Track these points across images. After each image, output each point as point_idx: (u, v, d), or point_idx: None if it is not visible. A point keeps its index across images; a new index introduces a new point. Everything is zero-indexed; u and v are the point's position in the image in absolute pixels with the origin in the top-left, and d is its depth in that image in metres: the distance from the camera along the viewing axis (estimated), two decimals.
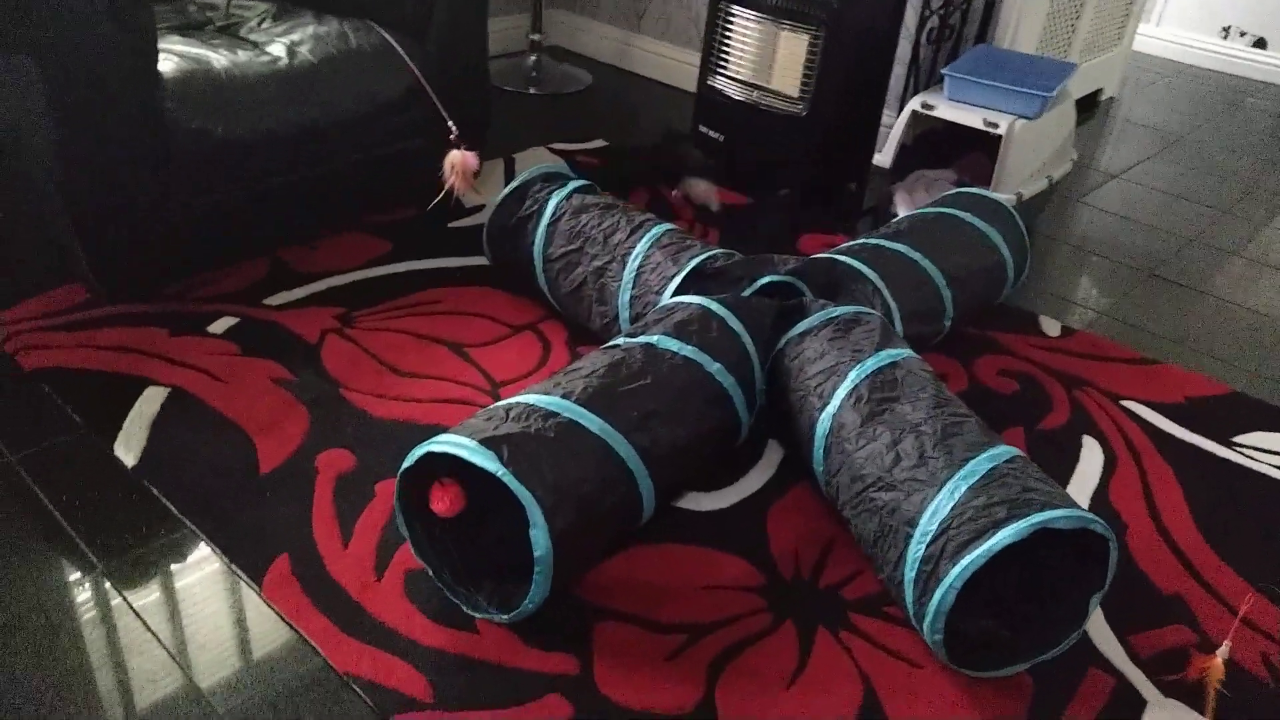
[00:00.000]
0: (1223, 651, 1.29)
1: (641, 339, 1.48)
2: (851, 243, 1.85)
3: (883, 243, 1.82)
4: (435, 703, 1.17)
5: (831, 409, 1.42)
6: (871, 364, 1.44)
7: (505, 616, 1.26)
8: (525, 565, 1.24)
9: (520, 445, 1.23)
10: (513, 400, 1.33)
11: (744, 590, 1.36)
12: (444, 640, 1.25)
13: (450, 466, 1.28)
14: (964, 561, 1.17)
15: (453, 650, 1.24)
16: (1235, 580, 1.45)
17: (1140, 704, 1.25)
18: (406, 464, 1.25)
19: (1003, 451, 1.29)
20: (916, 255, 1.79)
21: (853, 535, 1.42)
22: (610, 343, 1.50)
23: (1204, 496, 1.61)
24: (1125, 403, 1.83)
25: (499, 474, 1.18)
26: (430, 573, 1.30)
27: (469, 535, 1.33)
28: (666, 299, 1.66)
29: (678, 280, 1.66)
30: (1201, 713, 1.24)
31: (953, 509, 1.22)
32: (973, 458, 1.28)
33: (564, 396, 1.32)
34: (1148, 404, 1.83)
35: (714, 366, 1.46)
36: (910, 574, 1.24)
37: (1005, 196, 2.25)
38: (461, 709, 1.16)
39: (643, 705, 1.19)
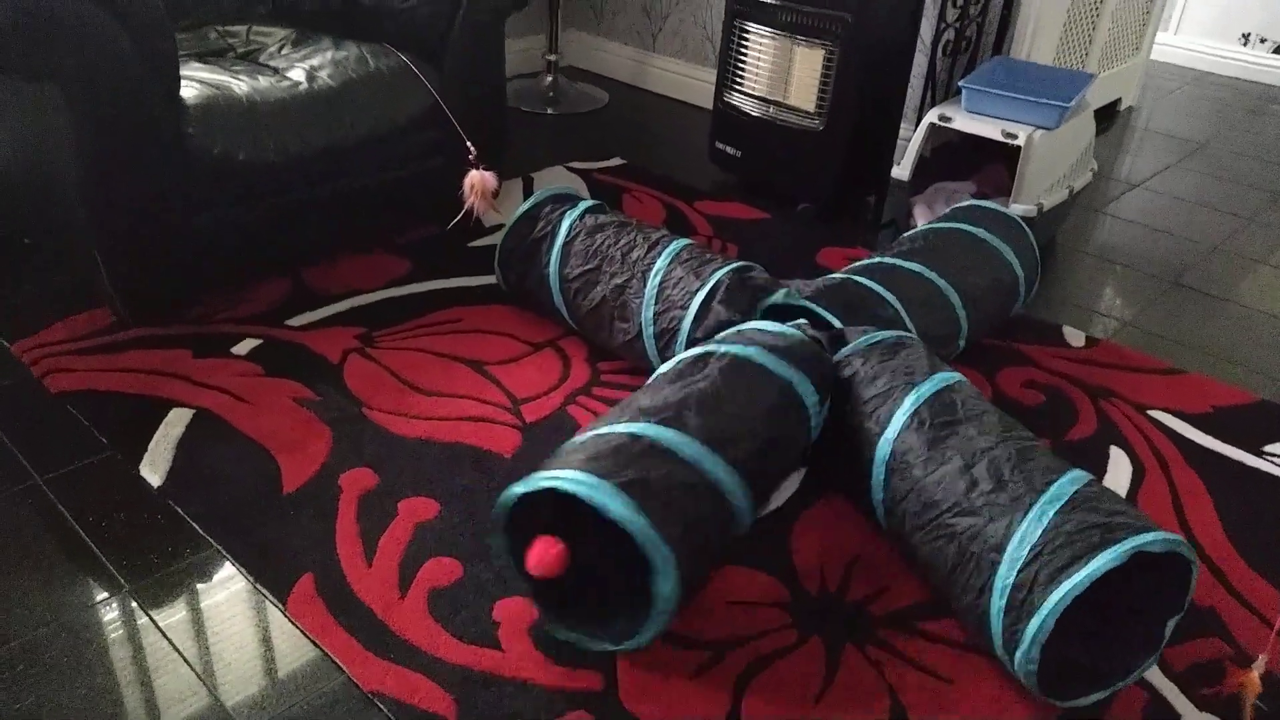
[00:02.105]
0: (1259, 665, 1.26)
1: (738, 349, 1.43)
2: (868, 261, 1.83)
3: (899, 262, 1.80)
4: None
5: (891, 434, 1.39)
6: (928, 388, 1.41)
7: (612, 645, 1.24)
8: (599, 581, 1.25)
9: (653, 494, 1.19)
10: (625, 429, 1.28)
11: (770, 606, 1.35)
12: (468, 657, 1.24)
13: (547, 505, 1.24)
14: (1064, 587, 1.14)
15: (477, 667, 1.23)
16: (1269, 591, 1.43)
17: (1175, 718, 1.23)
18: (523, 488, 1.21)
19: (1080, 475, 1.27)
20: (933, 275, 1.77)
21: (920, 563, 1.36)
22: (704, 347, 1.44)
23: (1234, 507, 1.59)
24: (1152, 413, 1.81)
25: (635, 530, 1.15)
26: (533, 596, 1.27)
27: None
28: (691, 314, 1.66)
29: (702, 294, 1.66)
30: None
31: (1043, 534, 1.19)
32: (1054, 481, 1.25)
33: (679, 429, 1.28)
34: (1175, 414, 1.81)
35: (807, 390, 1.43)
36: (1000, 602, 1.20)
37: (1025, 208, 2.24)
38: None
39: None
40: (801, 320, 1.60)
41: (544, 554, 1.20)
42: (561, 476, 1.19)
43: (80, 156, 1.64)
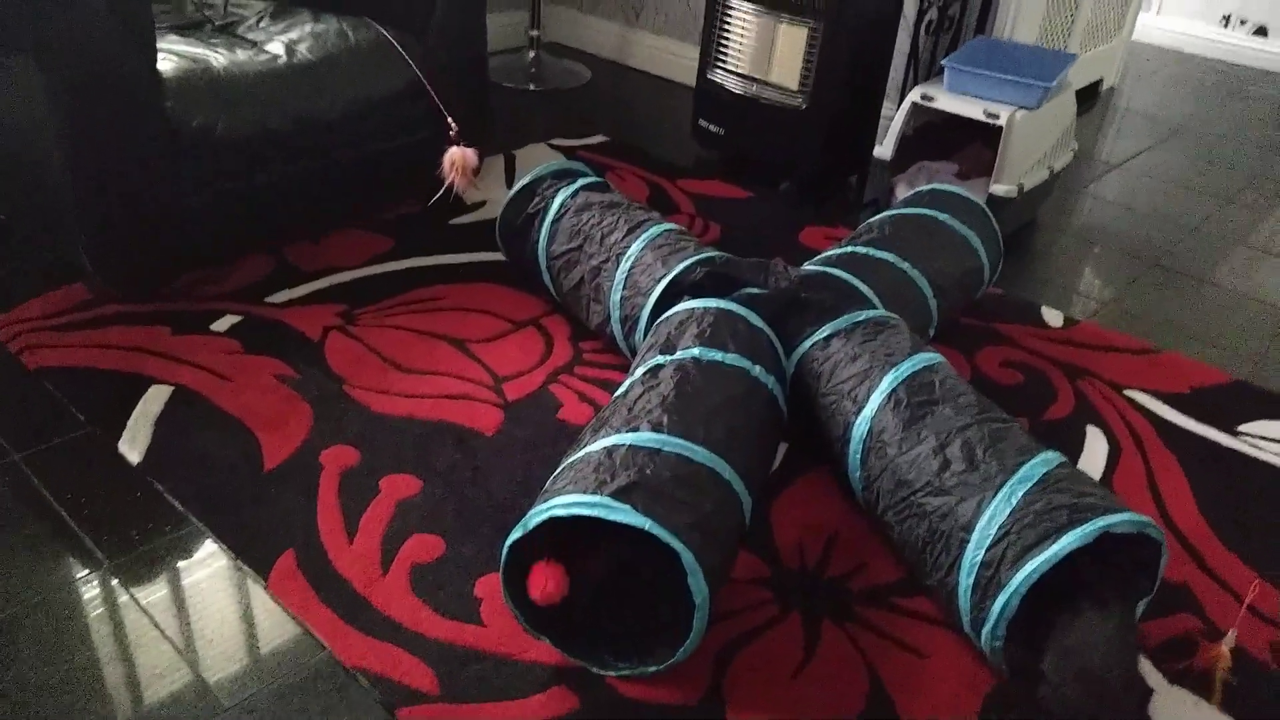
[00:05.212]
0: (1229, 640, 1.29)
1: (683, 355, 1.42)
2: (840, 250, 1.81)
3: (871, 251, 1.78)
4: (442, 695, 1.17)
5: (868, 412, 1.40)
6: (907, 367, 1.42)
7: (652, 667, 1.20)
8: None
9: (651, 493, 1.16)
10: (609, 442, 1.25)
11: (750, 582, 1.36)
12: (450, 633, 1.25)
13: (550, 536, 1.19)
14: (1029, 566, 1.14)
15: (459, 643, 1.24)
16: (1241, 568, 1.45)
17: (1146, 692, 1.25)
18: (519, 533, 1.16)
19: (1052, 457, 1.28)
20: (905, 265, 1.76)
21: (893, 541, 1.37)
22: (650, 362, 1.43)
23: (1209, 485, 1.61)
24: (1129, 393, 1.83)
25: (645, 527, 1.12)
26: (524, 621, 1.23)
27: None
28: (650, 303, 1.65)
29: (661, 286, 1.65)
30: (1208, 700, 1.24)
31: (1011, 513, 1.20)
32: (1025, 462, 1.26)
33: (654, 429, 1.26)
34: (1152, 394, 1.83)
35: (755, 369, 1.42)
36: (967, 580, 1.21)
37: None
38: (468, 701, 1.17)
39: (649, 698, 1.19)
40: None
41: (545, 577, 1.18)
42: (553, 505, 1.15)
43: (56, 131, 1.62)
